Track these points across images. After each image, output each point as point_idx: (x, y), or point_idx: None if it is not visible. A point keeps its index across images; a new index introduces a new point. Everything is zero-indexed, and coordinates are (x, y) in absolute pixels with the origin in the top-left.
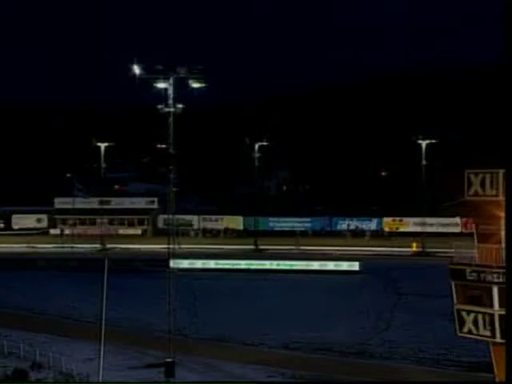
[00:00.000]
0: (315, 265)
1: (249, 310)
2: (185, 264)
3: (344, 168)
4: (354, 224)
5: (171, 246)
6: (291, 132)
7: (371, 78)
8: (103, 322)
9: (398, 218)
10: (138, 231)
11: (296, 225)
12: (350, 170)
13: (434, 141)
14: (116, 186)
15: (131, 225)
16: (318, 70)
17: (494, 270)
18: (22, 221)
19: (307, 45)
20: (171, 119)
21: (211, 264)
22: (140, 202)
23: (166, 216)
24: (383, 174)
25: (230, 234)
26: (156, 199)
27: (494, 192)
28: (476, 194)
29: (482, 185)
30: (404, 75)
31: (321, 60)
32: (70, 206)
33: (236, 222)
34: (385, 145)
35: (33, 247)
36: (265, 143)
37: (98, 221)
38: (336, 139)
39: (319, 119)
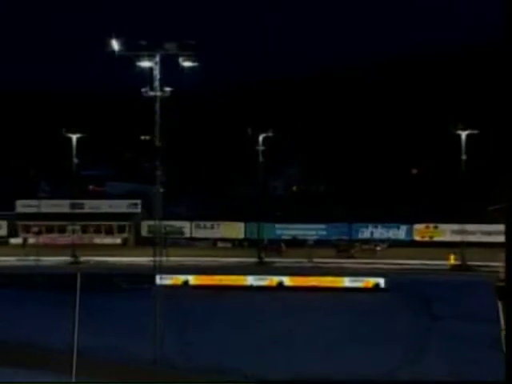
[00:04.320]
0: (332, 281)
1: (251, 335)
2: (174, 280)
3: (366, 164)
4: (378, 231)
5: (158, 259)
6: (302, 121)
7: (396, 58)
8: (75, 351)
9: (432, 225)
10: (118, 240)
11: (308, 233)
12: (373, 166)
13: (475, 131)
14: (91, 186)
15: (109, 233)
16: (330, 50)
17: None
18: None
19: (317, 21)
20: (157, 105)
21: (206, 280)
22: (120, 206)
23: (151, 222)
24: (414, 171)
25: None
26: (139, 202)
27: None
28: None
29: None
30: (435, 54)
31: (333, 38)
32: (34, 211)
33: (236, 230)
34: (415, 137)
35: None
36: (270, 134)
37: (69, 228)
38: (356, 130)
39: (335, 106)
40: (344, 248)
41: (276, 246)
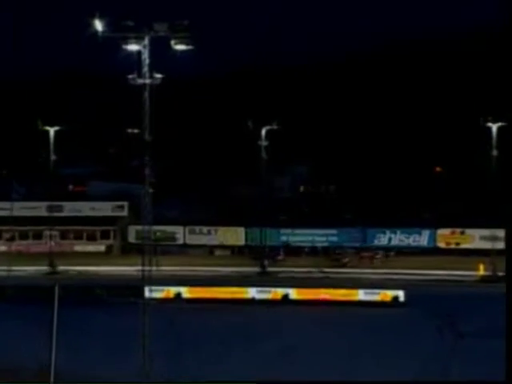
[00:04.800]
0: (344, 294)
1: (252, 355)
2: (165, 292)
3: (383, 162)
4: (397, 238)
5: (147, 268)
6: (311, 112)
7: (417, 46)
8: (52, 373)
9: (458, 230)
10: (102, 248)
11: (318, 239)
12: (390, 164)
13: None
14: (71, 186)
15: (92, 239)
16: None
17: None
18: None
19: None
20: (146, 94)
21: (201, 292)
22: (104, 208)
23: (139, 227)
24: (437, 169)
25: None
26: (126, 204)
27: None
28: None
29: None
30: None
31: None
32: (6, 214)
33: (235, 235)
34: (439, 130)
35: None
36: (275, 127)
37: (46, 233)
38: (372, 123)
39: (349, 95)
40: (336, 257)
41: (273, 253)
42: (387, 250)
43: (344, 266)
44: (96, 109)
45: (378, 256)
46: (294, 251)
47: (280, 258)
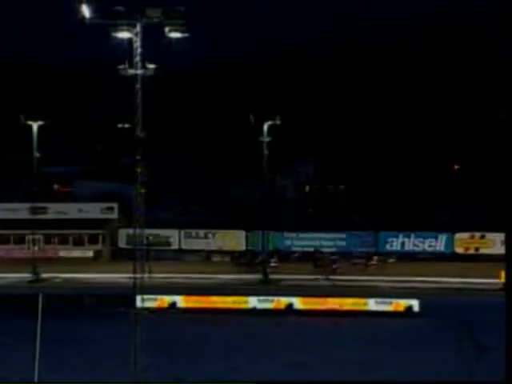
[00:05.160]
0: (353, 303)
1: (255, 371)
2: (159, 302)
3: (396, 159)
4: (411, 242)
5: (139, 276)
6: (317, 106)
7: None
8: None
9: (478, 234)
10: (89, 253)
11: (325, 243)
12: (404, 161)
13: None
14: (56, 186)
15: (79, 243)
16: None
17: None
18: None
19: None
20: (138, 86)
21: (198, 302)
22: (92, 210)
23: (130, 230)
24: (455, 167)
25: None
26: (116, 205)
27: None
28: None
29: None
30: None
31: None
32: None
33: (235, 240)
34: (457, 124)
35: None
36: (277, 122)
37: (29, 238)
38: (384, 116)
39: (358, 87)
40: (322, 263)
41: (261, 257)
42: (399, 255)
43: (333, 273)
44: (83, 102)
45: (371, 262)
46: (283, 257)
47: (273, 264)
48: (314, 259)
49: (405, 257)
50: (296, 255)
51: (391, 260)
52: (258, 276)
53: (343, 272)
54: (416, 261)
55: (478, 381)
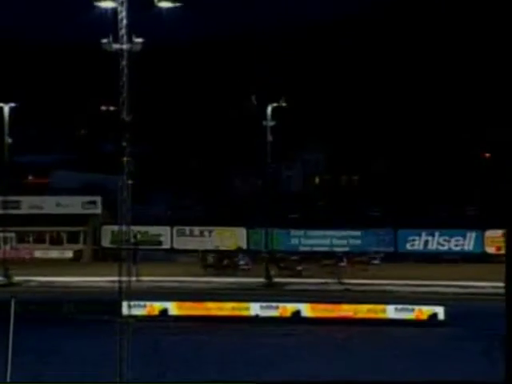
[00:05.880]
0: (370, 310)
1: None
2: (148, 309)
3: (417, 146)
4: (434, 241)
5: (125, 279)
6: (327, 86)
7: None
8: None
9: None
10: (69, 253)
11: (336, 242)
12: (427, 149)
13: None
14: (30, 177)
15: (57, 242)
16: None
17: None
18: None
19: None
20: (124, 63)
21: (193, 308)
22: (72, 204)
23: (115, 228)
24: (486, 155)
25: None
26: (99, 199)
27: None
28: None
29: None
30: None
31: None
32: None
33: (234, 238)
34: (488, 108)
35: None
36: (283, 105)
37: (0, 236)
38: (403, 98)
39: (374, 63)
40: (288, 264)
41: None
42: (421, 255)
43: (298, 275)
44: (62, 81)
45: (342, 264)
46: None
47: (245, 266)
48: (276, 260)
49: (428, 258)
50: (264, 255)
51: (376, 262)
52: (258, 279)
53: (310, 275)
54: (441, 262)
55: (478, 381)
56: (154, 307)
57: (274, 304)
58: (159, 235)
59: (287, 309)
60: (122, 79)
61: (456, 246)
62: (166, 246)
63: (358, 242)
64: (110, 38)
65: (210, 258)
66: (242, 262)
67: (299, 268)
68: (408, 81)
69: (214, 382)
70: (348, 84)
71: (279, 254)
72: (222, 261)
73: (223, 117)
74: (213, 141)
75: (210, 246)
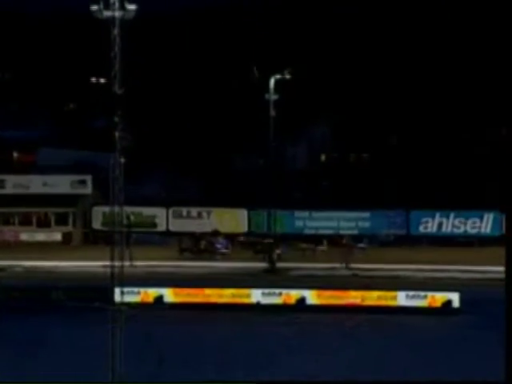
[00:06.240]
0: (380, 297)
1: (260, 377)
2: (143, 295)
3: (431, 120)
4: (449, 223)
5: (117, 264)
6: (333, 56)
7: None
8: None
9: None
10: (57, 236)
11: (344, 224)
12: (442, 124)
13: None
14: (15, 154)
15: (44, 225)
16: None
17: None
18: None
19: None
20: (116, 31)
21: (190, 295)
22: (60, 183)
23: (107, 209)
24: (503, 131)
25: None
26: (89, 178)
27: None
28: None
29: None
30: None
31: None
32: None
33: (235, 220)
34: (506, 79)
35: None
36: (287, 76)
37: None
38: (415, 67)
39: (383, 30)
40: (262, 248)
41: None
42: (436, 238)
43: (277, 259)
44: (49, 52)
45: (322, 247)
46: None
47: (224, 250)
48: (252, 244)
49: (442, 241)
50: (241, 239)
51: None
52: (261, 264)
53: (288, 258)
54: (456, 245)
55: (478, 381)
56: (149, 294)
57: (276, 290)
58: (154, 217)
59: (291, 296)
60: (114, 49)
61: (472, 228)
62: (162, 228)
63: (367, 224)
64: (101, 5)
65: (187, 241)
66: (219, 246)
67: (278, 251)
68: (424, 49)
69: (214, 381)
70: (357, 54)
71: (253, 238)
72: (199, 244)
73: (222, 90)
74: (212, 116)
75: (208, 229)
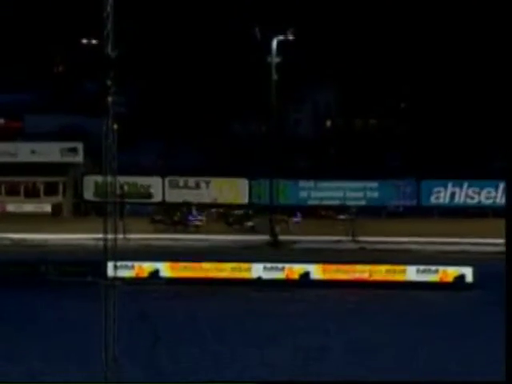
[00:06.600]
0: (389, 271)
1: (259, 359)
2: (137, 270)
3: (441, 84)
4: (462, 193)
5: (110, 236)
6: (338, 16)
7: None
8: None
9: None
10: (46, 207)
11: (350, 195)
12: (452, 88)
13: None
14: (1, 120)
15: (32, 195)
16: None
17: None
18: None
19: None
20: None
21: (187, 270)
22: (49, 151)
23: (99, 178)
24: None
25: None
26: (80, 145)
27: None
28: None
29: None
30: None
31: None
32: None
33: (235, 190)
34: None
35: None
36: (290, 37)
37: None
38: (424, 28)
39: None
40: (236, 219)
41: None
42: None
43: (251, 231)
44: (37, 11)
45: (296, 219)
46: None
47: (196, 222)
48: (224, 215)
49: (455, 212)
50: (214, 210)
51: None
52: (263, 237)
53: (261, 230)
54: (469, 217)
55: (478, 381)
56: (144, 268)
57: (279, 265)
58: (149, 187)
59: (294, 270)
60: (106, 9)
61: (487, 198)
62: (157, 198)
63: (376, 194)
64: None
65: (160, 212)
66: (191, 218)
67: (250, 224)
68: (433, 11)
69: (214, 382)
70: (363, 13)
71: (225, 209)
72: (172, 216)
73: (222, 53)
74: (210, 80)
75: (207, 199)
